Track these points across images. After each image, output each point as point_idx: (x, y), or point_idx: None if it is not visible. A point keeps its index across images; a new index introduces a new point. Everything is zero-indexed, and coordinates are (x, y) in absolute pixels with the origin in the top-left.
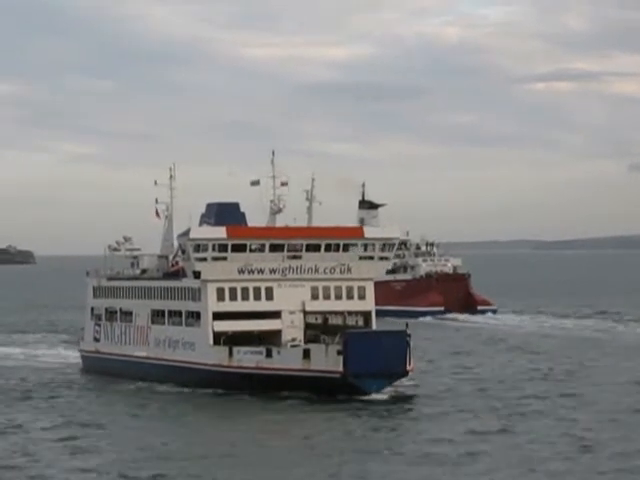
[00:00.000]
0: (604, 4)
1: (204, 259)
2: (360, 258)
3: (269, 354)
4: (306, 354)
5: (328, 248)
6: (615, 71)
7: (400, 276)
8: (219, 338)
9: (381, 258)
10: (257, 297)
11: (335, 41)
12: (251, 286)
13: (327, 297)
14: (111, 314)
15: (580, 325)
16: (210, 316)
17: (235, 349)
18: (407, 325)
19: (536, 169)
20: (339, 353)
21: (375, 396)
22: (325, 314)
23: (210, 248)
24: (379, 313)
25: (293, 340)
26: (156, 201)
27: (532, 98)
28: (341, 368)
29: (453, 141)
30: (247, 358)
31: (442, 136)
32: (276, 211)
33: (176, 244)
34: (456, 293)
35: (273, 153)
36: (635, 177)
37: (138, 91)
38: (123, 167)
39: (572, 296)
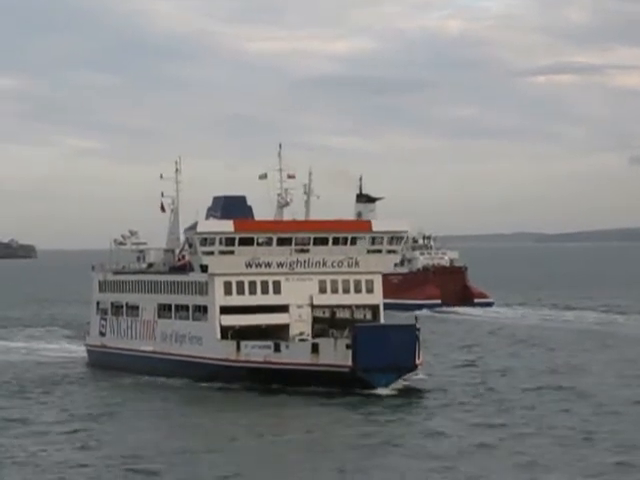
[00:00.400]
0: None
1: (211, 253)
2: (368, 251)
3: (277, 348)
4: (315, 348)
5: (336, 242)
6: (616, 64)
7: (397, 269)
8: (226, 332)
9: (389, 251)
10: (264, 291)
11: (337, 35)
12: (258, 280)
13: (335, 291)
14: (117, 308)
15: (581, 317)
16: (217, 310)
17: (243, 343)
18: (416, 319)
19: (537, 162)
20: (348, 347)
21: (381, 390)
22: (333, 308)
23: (217, 242)
24: None
25: (301, 334)
26: (162, 195)
27: (533, 91)
28: (350, 362)
29: (454, 134)
30: (255, 352)
31: (443, 129)
32: (283, 204)
33: (182, 238)
34: (453, 286)
35: (280, 146)
36: (637, 170)
37: (142, 86)
38: (127, 161)
39: (573, 289)
